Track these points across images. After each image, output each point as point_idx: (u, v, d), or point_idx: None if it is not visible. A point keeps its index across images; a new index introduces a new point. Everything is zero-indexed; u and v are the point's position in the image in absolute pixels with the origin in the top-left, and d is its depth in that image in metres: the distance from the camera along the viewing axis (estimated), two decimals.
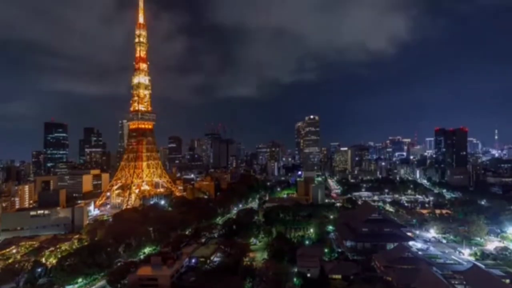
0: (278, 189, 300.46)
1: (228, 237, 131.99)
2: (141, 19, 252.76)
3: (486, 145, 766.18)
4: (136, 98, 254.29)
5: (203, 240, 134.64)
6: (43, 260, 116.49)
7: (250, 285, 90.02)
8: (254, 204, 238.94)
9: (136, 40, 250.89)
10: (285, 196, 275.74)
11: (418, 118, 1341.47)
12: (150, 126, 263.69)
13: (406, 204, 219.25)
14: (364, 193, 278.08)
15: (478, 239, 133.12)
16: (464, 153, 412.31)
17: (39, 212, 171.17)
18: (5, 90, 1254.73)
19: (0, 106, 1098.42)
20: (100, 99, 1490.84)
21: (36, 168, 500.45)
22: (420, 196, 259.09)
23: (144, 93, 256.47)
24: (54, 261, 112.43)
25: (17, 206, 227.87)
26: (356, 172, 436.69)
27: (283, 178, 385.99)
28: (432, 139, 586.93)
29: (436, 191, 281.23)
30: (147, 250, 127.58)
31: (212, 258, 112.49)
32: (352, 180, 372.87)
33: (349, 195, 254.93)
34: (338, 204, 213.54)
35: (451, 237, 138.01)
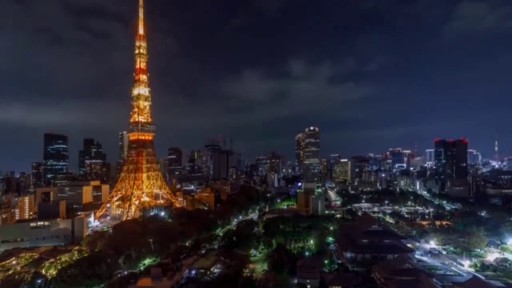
0: (278, 200, 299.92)
1: (228, 248, 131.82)
2: (141, 31, 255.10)
3: (486, 157, 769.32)
4: (136, 109, 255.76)
5: (203, 252, 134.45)
6: (43, 271, 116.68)
7: None
8: (254, 215, 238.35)
9: (136, 51, 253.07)
10: (285, 207, 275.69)
11: (418, 129, 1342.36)
12: (150, 138, 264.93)
13: (406, 216, 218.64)
14: (364, 205, 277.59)
15: (478, 250, 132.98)
16: (464, 164, 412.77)
17: (39, 223, 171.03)
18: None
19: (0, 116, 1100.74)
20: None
21: (36, 180, 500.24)
22: (420, 208, 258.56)
23: (144, 104, 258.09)
24: (54, 273, 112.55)
25: (17, 218, 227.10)
26: (356, 183, 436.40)
27: (283, 190, 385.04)
28: (432, 150, 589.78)
29: (436, 202, 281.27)
30: (147, 261, 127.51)
31: (212, 269, 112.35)
32: (352, 192, 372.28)
33: (349, 207, 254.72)
34: (338, 216, 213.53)
35: (451, 248, 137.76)
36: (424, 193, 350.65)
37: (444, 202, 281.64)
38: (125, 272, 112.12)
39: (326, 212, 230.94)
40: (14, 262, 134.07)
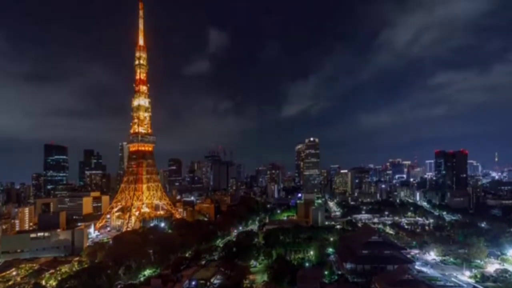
0: (278, 211, 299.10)
1: (228, 259, 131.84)
2: (141, 41, 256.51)
3: (486, 167, 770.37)
4: (136, 120, 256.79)
5: (203, 263, 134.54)
6: (43, 282, 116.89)
7: None
8: (254, 226, 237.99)
9: (136, 62, 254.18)
10: (285, 218, 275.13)
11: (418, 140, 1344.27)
12: (150, 149, 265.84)
13: (406, 227, 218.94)
14: (364, 216, 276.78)
15: (478, 261, 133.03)
16: (464, 175, 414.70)
17: (39, 234, 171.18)
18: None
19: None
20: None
21: (36, 191, 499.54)
22: (420, 219, 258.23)
23: (144, 115, 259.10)
24: (54, 284, 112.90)
25: (17, 229, 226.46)
26: (356, 194, 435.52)
27: (283, 201, 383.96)
28: (432, 161, 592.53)
29: (436, 213, 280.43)
30: (147, 272, 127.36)
31: (212, 280, 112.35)
32: (352, 203, 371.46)
33: (349, 218, 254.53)
34: (338, 227, 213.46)
35: (451, 259, 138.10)
36: (424, 204, 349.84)
37: (444, 213, 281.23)
38: (125, 283, 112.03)
39: (326, 223, 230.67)
40: (14, 273, 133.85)
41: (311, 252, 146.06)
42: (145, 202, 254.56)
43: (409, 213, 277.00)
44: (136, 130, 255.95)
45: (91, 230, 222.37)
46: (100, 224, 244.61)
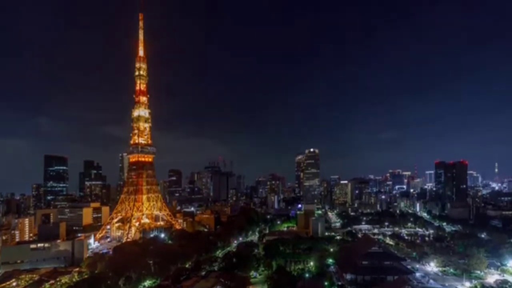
0: (278, 222, 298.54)
1: (228, 270, 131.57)
2: (141, 52, 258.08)
3: (486, 178, 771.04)
4: (136, 131, 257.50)
5: (203, 273, 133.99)
6: None
7: None
8: (254, 237, 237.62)
9: (136, 73, 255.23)
10: (285, 229, 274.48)
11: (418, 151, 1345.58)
12: (150, 159, 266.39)
13: (406, 237, 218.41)
14: (364, 226, 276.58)
15: (478, 272, 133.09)
16: (464, 186, 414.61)
17: (39, 245, 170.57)
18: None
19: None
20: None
21: (36, 201, 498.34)
22: (420, 229, 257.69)
23: (144, 126, 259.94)
24: None
25: (17, 239, 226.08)
26: (356, 205, 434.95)
27: (283, 211, 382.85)
28: (432, 172, 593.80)
29: (436, 224, 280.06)
30: (147, 283, 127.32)
31: None
32: (352, 213, 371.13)
33: (349, 228, 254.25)
34: (338, 237, 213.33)
35: (451, 270, 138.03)
36: (424, 214, 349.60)
37: (444, 223, 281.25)
38: None
39: (326, 233, 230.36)
40: (14, 284, 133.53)
41: (311, 263, 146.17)
42: (145, 213, 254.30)
43: (409, 224, 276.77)
44: (136, 141, 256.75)
45: (91, 241, 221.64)
46: (100, 235, 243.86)
